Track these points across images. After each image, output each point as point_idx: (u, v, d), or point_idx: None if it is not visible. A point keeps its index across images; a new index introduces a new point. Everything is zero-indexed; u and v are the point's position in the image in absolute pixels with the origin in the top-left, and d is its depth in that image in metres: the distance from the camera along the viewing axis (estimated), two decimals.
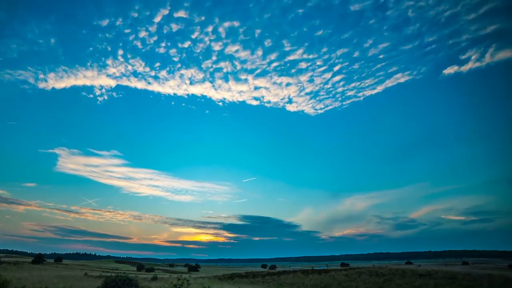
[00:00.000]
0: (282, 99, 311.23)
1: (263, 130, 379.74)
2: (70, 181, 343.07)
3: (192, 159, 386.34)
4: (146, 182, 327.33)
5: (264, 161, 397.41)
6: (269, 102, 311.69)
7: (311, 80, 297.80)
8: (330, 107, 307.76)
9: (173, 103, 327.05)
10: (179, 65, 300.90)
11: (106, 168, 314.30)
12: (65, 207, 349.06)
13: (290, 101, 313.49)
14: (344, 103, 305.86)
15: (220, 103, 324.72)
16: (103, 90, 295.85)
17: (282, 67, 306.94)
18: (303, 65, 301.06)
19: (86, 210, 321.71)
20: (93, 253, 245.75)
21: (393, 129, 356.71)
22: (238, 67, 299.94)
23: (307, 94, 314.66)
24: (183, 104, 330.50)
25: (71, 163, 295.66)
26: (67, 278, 24.82)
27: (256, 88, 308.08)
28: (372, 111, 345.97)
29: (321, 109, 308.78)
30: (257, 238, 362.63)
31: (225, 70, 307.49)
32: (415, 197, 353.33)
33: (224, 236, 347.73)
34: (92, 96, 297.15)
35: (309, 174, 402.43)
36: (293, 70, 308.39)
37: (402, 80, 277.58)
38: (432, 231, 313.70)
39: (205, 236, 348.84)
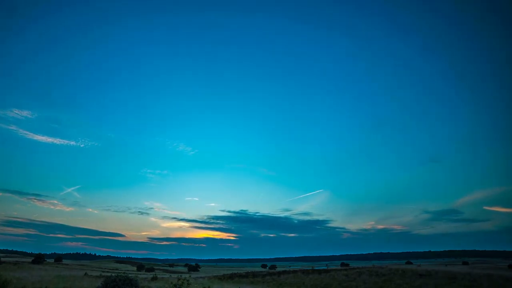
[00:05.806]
0: None
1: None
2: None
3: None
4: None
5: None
6: None
7: None
8: None
9: None
10: None
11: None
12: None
13: None
14: None
15: None
16: None
17: None
18: None
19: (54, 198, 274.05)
20: (93, 253, 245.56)
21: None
22: None
23: None
24: None
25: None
26: (67, 278, 24.81)
27: None
28: None
29: None
30: (263, 235, 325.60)
31: None
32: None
33: (223, 232, 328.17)
34: None
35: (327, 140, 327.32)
36: None
37: None
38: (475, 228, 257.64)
39: (200, 233, 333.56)
